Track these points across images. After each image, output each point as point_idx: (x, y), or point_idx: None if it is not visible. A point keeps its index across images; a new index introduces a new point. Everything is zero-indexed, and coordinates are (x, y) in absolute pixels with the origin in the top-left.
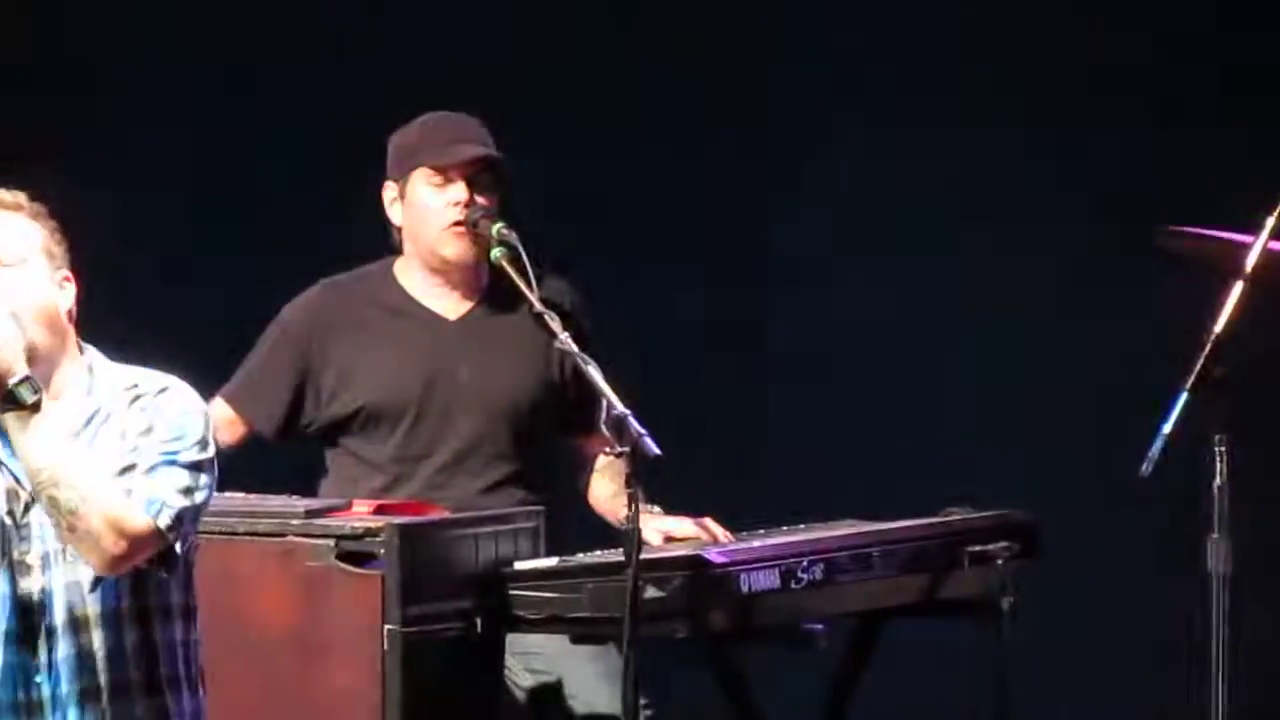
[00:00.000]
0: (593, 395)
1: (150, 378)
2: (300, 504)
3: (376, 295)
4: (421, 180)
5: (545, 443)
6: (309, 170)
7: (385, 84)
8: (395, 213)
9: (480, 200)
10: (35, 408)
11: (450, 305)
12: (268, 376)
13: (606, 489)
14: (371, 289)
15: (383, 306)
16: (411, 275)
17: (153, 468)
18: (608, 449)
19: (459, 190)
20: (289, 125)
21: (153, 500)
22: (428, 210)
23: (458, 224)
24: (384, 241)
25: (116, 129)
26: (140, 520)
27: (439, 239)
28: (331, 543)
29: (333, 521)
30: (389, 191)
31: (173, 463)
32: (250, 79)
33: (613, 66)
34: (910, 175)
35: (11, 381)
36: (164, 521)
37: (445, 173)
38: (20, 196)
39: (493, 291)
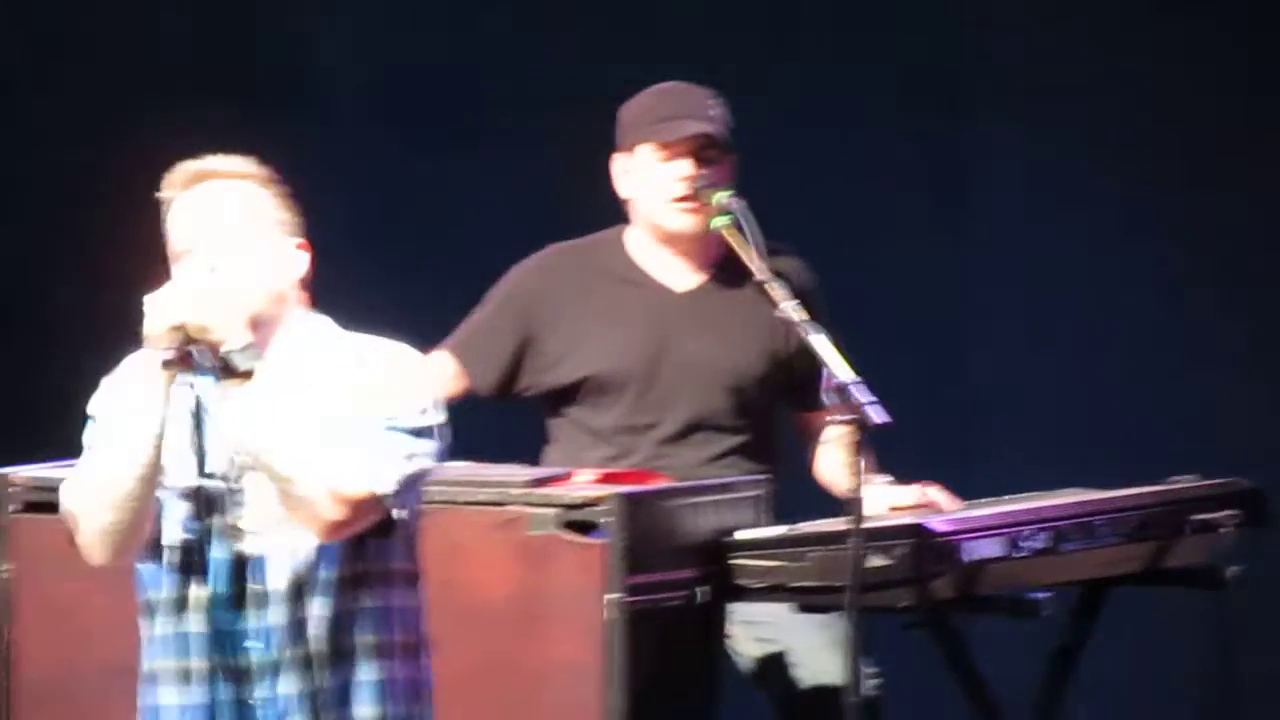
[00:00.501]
0: (820, 370)
1: (375, 345)
2: (523, 473)
3: (605, 263)
4: (647, 154)
5: (772, 416)
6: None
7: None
8: (623, 185)
9: (705, 173)
10: (250, 375)
11: (678, 277)
12: (491, 335)
13: (833, 460)
14: (601, 257)
15: (611, 275)
16: (640, 246)
17: (376, 432)
18: (834, 418)
19: (683, 165)
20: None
21: (372, 466)
22: (653, 184)
23: (682, 198)
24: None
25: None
26: (360, 487)
27: (663, 212)
28: (554, 512)
29: (555, 490)
30: (617, 164)
31: (394, 428)
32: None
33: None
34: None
35: (229, 349)
36: (383, 488)
37: (670, 148)
38: (250, 163)
39: (723, 265)
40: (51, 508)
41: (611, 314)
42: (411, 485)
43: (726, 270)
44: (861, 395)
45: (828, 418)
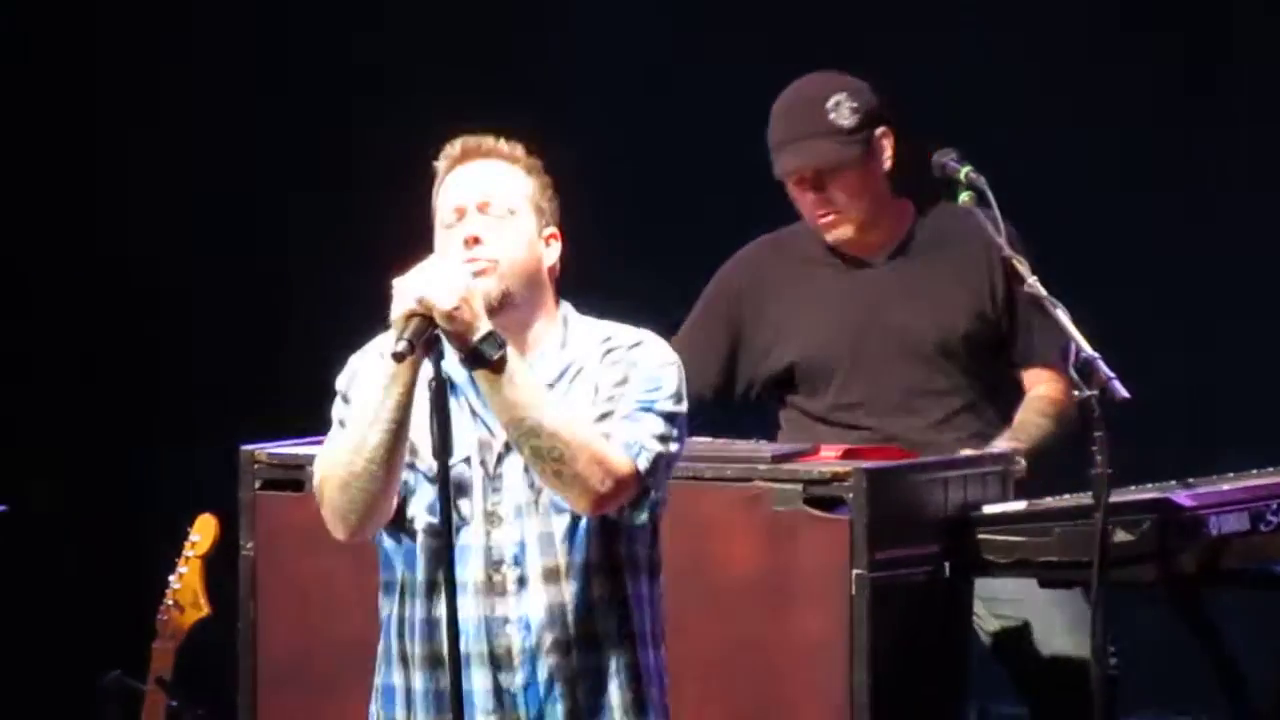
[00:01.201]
0: (1026, 329)
1: (623, 331)
2: (767, 449)
3: (805, 249)
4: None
5: (994, 375)
6: None
7: None
8: None
9: (826, 195)
10: (500, 364)
11: (875, 253)
12: (703, 339)
13: (1016, 417)
14: (802, 243)
15: (811, 260)
16: None
17: (630, 414)
18: (1079, 393)
19: (806, 196)
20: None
21: (631, 443)
22: (798, 202)
23: (819, 218)
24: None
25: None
26: (623, 460)
27: (819, 228)
28: (799, 488)
29: (800, 466)
30: None
31: (649, 410)
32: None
33: None
34: None
35: (475, 338)
36: (643, 464)
37: (788, 178)
38: (518, 149)
39: (920, 234)
40: (293, 485)
41: (814, 298)
42: (664, 467)
43: (923, 241)
44: (1105, 370)
45: (1075, 393)
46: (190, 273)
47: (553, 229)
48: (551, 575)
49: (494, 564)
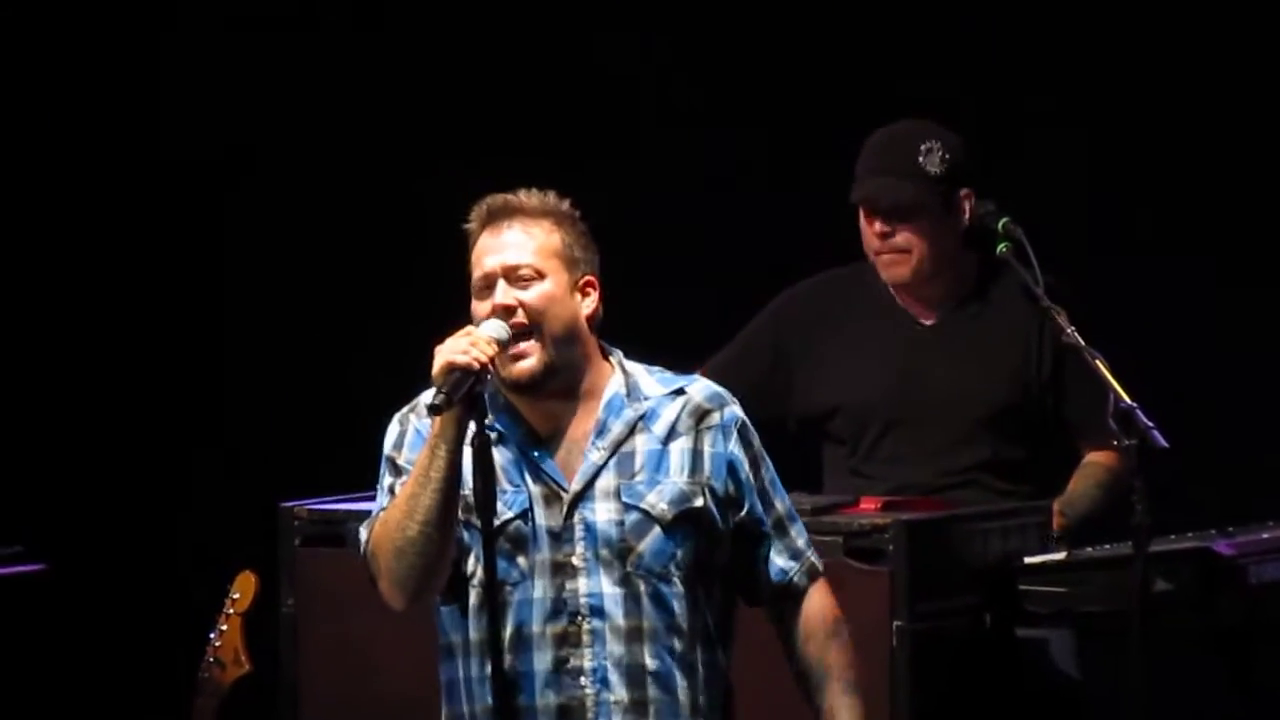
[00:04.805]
0: (1081, 398)
1: (684, 379)
2: (808, 500)
3: (864, 294)
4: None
5: (1031, 443)
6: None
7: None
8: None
9: (892, 230)
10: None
11: (930, 307)
12: (747, 354)
13: (1070, 485)
14: (861, 287)
15: (865, 307)
16: None
17: (784, 507)
18: (1119, 443)
19: (876, 223)
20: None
21: (810, 546)
22: (864, 234)
23: (881, 253)
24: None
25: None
26: (829, 585)
27: (876, 262)
28: (840, 539)
29: (841, 518)
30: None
31: (777, 481)
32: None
33: None
34: None
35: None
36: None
37: (863, 204)
38: (549, 200)
39: (978, 291)
40: (333, 541)
41: (860, 346)
42: None
43: (979, 298)
44: (1144, 420)
45: (1113, 442)
46: (231, 330)
47: (589, 276)
48: (635, 634)
49: (568, 615)
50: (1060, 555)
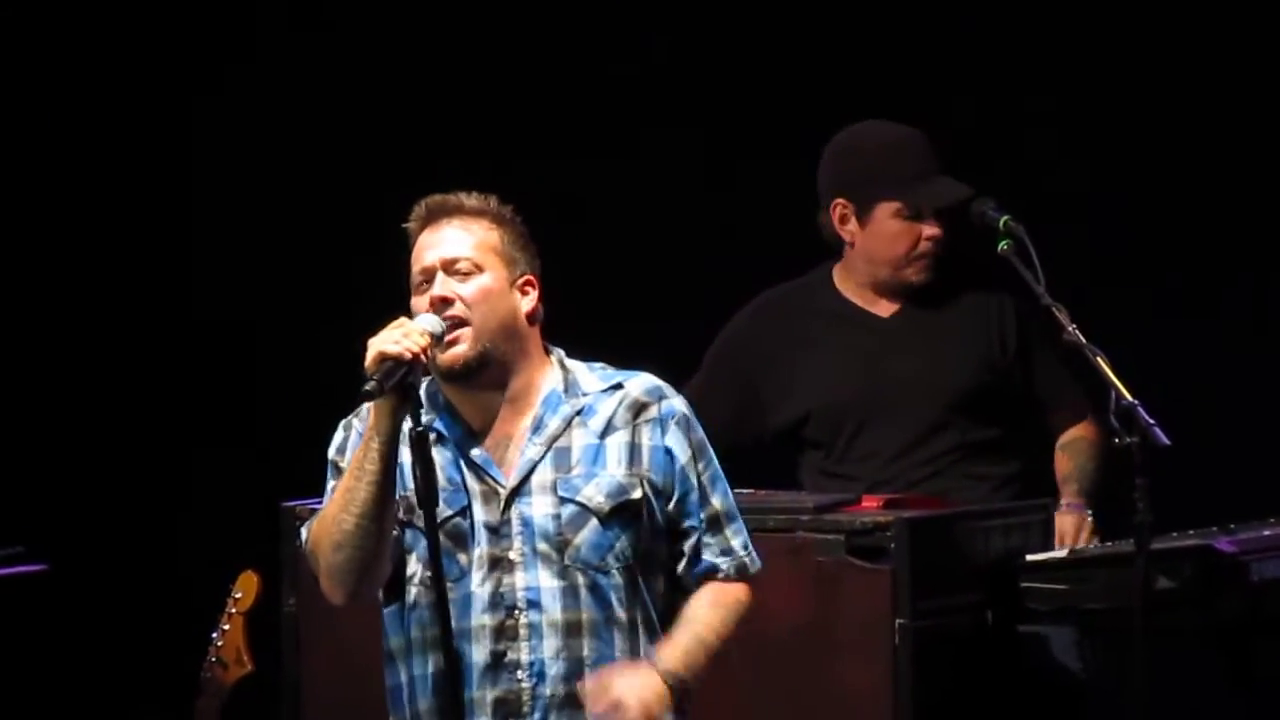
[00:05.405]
0: (1047, 370)
1: (623, 374)
2: (809, 499)
3: (815, 303)
4: (889, 212)
5: (1004, 423)
6: None
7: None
8: (847, 229)
9: (935, 232)
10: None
11: (893, 302)
12: (711, 389)
13: (1063, 467)
14: (811, 297)
15: (820, 313)
16: (851, 283)
17: (721, 502)
18: (1121, 441)
19: (933, 227)
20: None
21: (745, 544)
22: (895, 240)
23: (924, 256)
24: None
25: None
26: (750, 583)
27: (906, 268)
28: (841, 538)
29: (842, 516)
30: (840, 207)
31: (718, 477)
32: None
33: None
34: None
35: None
36: (757, 565)
37: (919, 207)
38: (490, 201)
39: (934, 283)
40: None
41: (822, 351)
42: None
43: (934, 289)
44: (1145, 418)
45: (1116, 440)
46: (233, 330)
47: (528, 275)
48: (572, 627)
49: (505, 609)
50: (1061, 553)
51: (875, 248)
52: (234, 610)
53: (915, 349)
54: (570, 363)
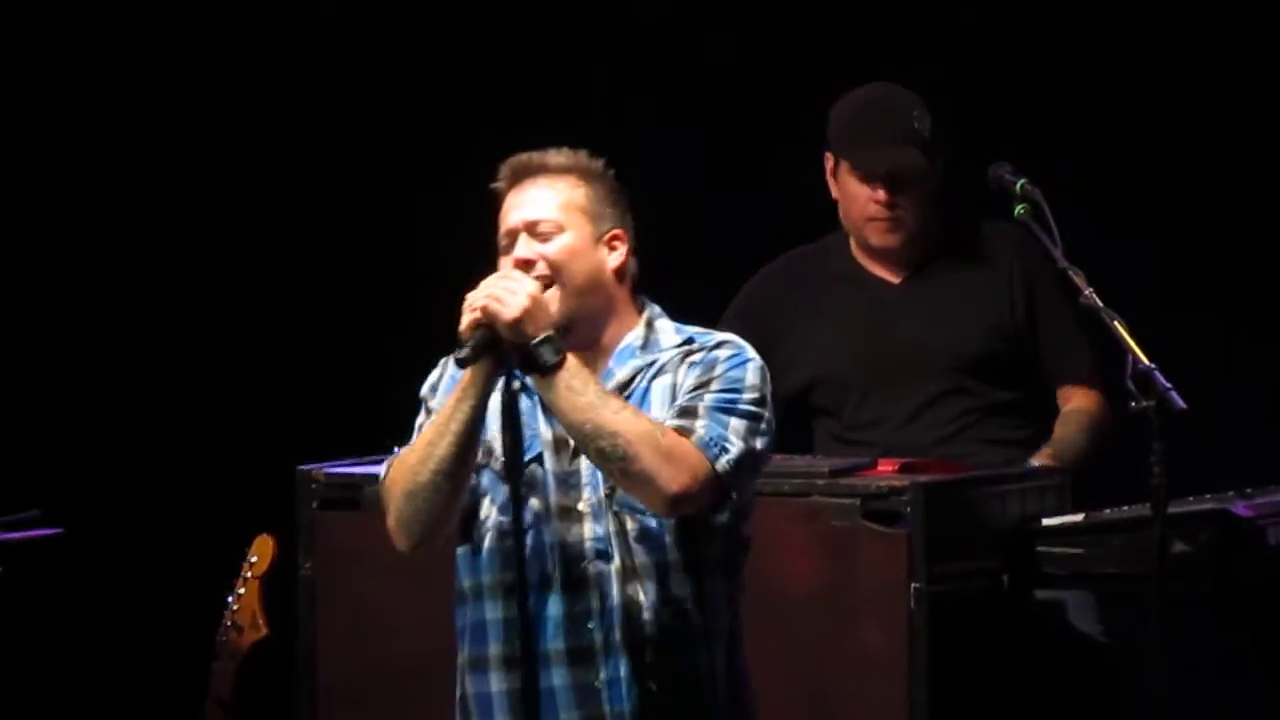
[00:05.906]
0: (1055, 344)
1: (708, 334)
2: (825, 463)
3: (829, 266)
4: (848, 170)
5: (1020, 386)
6: None
7: None
8: (832, 186)
9: (898, 198)
10: (555, 369)
11: (902, 268)
12: None
13: (1054, 434)
14: (826, 260)
15: (833, 277)
16: (858, 245)
17: (711, 413)
18: (1136, 405)
19: (878, 191)
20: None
21: (711, 441)
22: (854, 199)
23: (874, 218)
24: None
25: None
26: (699, 459)
27: (863, 228)
28: (857, 502)
29: (858, 481)
30: (829, 160)
31: (730, 410)
32: None
33: None
34: None
35: (532, 344)
36: (723, 464)
37: (867, 169)
38: (578, 156)
39: (945, 249)
40: (350, 505)
41: (832, 316)
42: (750, 467)
43: (945, 255)
44: (1163, 382)
45: (1132, 405)
46: (249, 295)
47: (616, 230)
48: (630, 573)
49: (573, 560)
50: (1078, 517)
51: (844, 206)
52: (249, 574)
53: (921, 314)
54: (660, 321)
